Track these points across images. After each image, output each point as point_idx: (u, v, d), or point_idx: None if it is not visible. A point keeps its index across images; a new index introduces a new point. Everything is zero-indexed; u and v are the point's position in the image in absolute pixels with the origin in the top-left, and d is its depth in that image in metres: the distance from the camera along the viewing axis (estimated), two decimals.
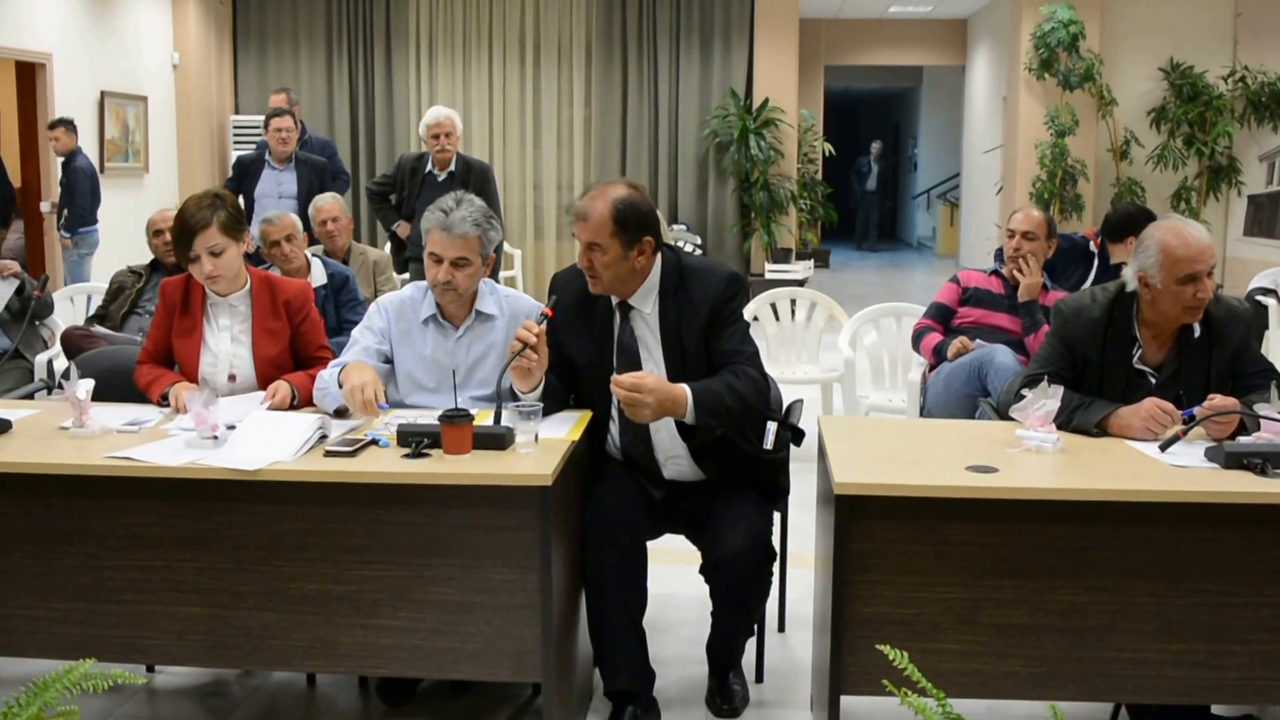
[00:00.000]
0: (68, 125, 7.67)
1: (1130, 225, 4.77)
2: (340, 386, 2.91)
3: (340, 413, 2.95)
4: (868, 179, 17.79)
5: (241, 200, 6.57)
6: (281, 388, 3.05)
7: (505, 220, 9.75)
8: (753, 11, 10.34)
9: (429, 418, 2.76)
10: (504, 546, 2.55)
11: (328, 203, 5.32)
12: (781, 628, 3.50)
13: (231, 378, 3.18)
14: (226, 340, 3.21)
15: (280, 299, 3.22)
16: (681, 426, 2.87)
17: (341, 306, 4.52)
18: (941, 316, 4.48)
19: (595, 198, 2.85)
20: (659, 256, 2.93)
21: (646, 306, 2.93)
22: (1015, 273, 4.37)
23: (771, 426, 2.98)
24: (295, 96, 8.18)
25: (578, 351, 2.98)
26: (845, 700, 2.58)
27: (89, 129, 8.64)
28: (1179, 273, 2.83)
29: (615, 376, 2.75)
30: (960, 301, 4.48)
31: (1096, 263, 5.00)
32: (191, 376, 3.17)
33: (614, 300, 2.95)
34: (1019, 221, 4.42)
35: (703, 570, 2.90)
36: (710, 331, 2.89)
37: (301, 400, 3.06)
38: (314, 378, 3.08)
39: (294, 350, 3.24)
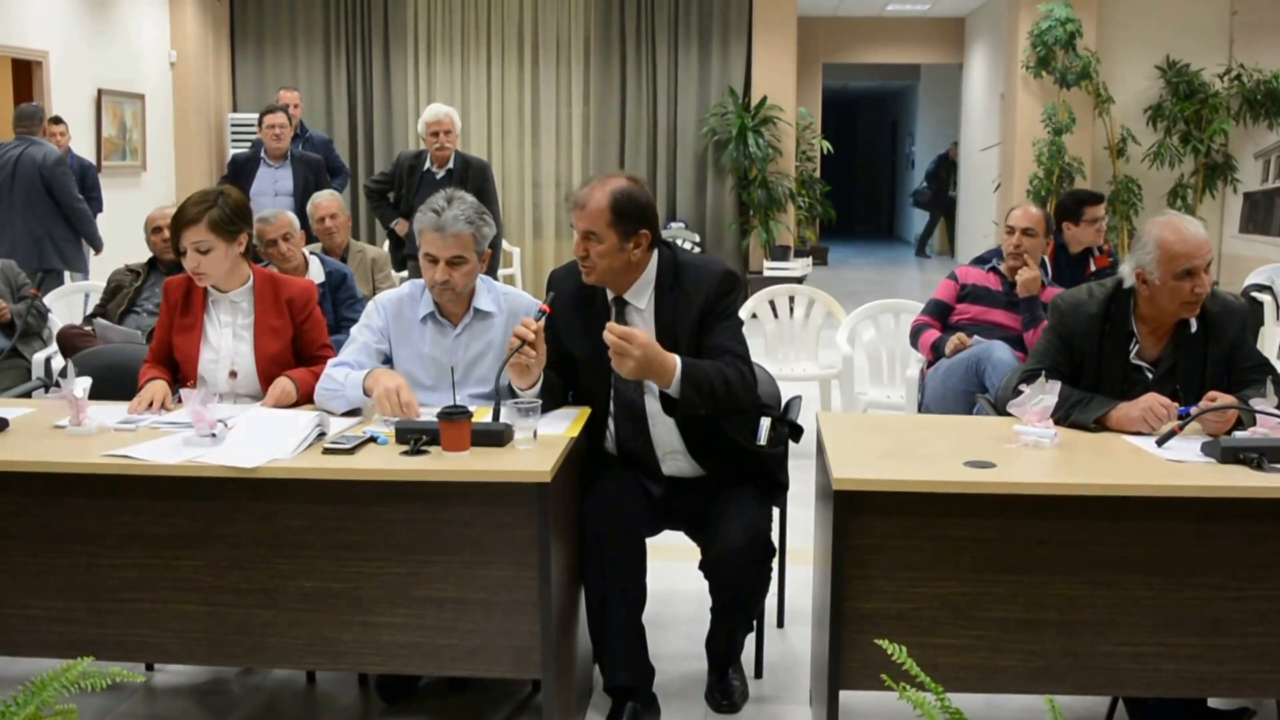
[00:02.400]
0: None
1: (1060, 213, 4.89)
2: (367, 395, 2.91)
3: (350, 414, 2.95)
4: (947, 184, 15.77)
5: None
6: (286, 385, 3.04)
7: (504, 218, 9.73)
8: (751, 10, 10.32)
9: (428, 415, 2.77)
10: (503, 543, 2.55)
11: (326, 200, 5.31)
12: (780, 623, 3.51)
13: (233, 374, 3.17)
14: (228, 336, 3.20)
15: (283, 297, 3.22)
16: (665, 401, 2.84)
17: (339, 304, 4.52)
18: (939, 313, 4.48)
19: (595, 187, 2.85)
20: (655, 252, 2.94)
21: (641, 302, 2.93)
22: (1020, 267, 4.37)
23: (765, 422, 2.98)
24: (300, 100, 8.19)
25: (575, 347, 2.98)
26: (844, 695, 2.59)
27: (86, 127, 8.62)
28: (1176, 268, 2.84)
29: (609, 324, 2.74)
30: (958, 298, 4.48)
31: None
32: (192, 373, 3.16)
33: (610, 295, 2.95)
34: (1018, 218, 4.43)
35: (702, 566, 2.91)
36: (702, 327, 2.88)
37: (302, 396, 3.06)
38: (316, 374, 3.07)
39: (295, 349, 3.24)
